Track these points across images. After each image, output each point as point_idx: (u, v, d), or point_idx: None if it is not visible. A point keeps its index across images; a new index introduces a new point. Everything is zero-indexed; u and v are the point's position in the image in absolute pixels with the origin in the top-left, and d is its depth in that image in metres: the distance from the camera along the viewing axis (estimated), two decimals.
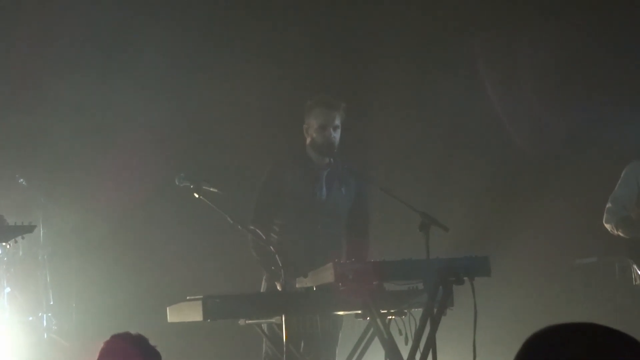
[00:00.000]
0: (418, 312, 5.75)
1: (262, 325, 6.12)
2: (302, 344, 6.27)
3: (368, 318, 5.79)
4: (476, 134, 9.19)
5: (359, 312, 5.80)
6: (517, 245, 8.68)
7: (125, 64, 8.82)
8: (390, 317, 5.80)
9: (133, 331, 4.34)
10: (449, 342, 6.44)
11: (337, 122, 6.50)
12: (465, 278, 5.57)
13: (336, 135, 6.49)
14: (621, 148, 8.35)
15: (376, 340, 5.84)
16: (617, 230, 7.19)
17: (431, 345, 5.61)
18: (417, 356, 5.61)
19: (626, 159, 7.56)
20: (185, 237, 8.88)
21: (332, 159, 6.52)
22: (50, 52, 8.75)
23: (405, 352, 5.69)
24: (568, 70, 9.02)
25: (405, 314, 5.77)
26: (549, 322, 2.03)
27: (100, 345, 4.36)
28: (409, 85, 9.11)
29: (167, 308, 5.83)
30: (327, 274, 5.57)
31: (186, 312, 5.66)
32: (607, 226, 7.27)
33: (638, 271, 7.10)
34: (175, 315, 5.77)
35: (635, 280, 7.23)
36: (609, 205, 7.28)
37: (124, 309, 8.52)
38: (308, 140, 6.57)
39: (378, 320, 5.71)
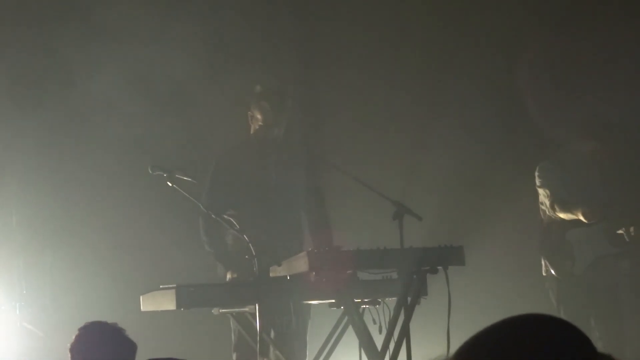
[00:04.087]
0: (392, 301, 5.76)
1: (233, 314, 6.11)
2: (272, 333, 6.23)
3: (342, 307, 5.80)
4: (450, 125, 9.20)
5: (333, 301, 5.81)
6: (491, 235, 8.70)
7: (99, 52, 8.77)
8: (364, 306, 5.81)
9: (109, 321, 4.33)
10: (423, 331, 6.46)
11: (283, 123, 6.46)
12: (439, 267, 5.59)
13: (280, 132, 6.46)
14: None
15: (350, 329, 5.85)
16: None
17: (405, 334, 5.62)
18: (391, 345, 5.62)
19: None
20: (160, 226, 8.85)
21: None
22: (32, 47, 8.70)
23: (379, 341, 5.70)
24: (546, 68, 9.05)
25: (379, 303, 5.78)
26: (522, 312, 2.01)
27: (75, 334, 4.34)
28: (381, 74, 9.10)
29: (141, 297, 5.82)
30: (301, 263, 5.57)
31: (159, 301, 5.65)
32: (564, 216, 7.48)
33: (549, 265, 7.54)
34: (149, 304, 5.76)
35: (544, 272, 7.61)
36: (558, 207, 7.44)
37: (98, 298, 8.49)
38: (252, 129, 6.55)
39: (352, 309, 5.72)
